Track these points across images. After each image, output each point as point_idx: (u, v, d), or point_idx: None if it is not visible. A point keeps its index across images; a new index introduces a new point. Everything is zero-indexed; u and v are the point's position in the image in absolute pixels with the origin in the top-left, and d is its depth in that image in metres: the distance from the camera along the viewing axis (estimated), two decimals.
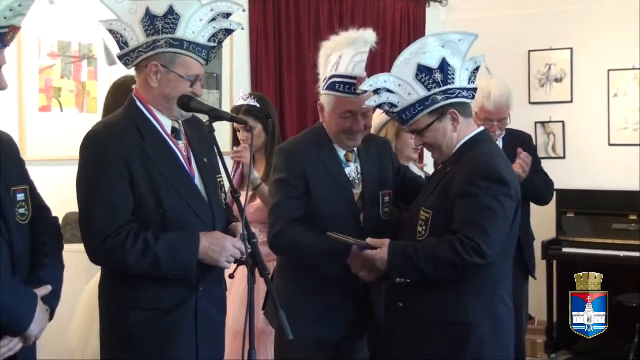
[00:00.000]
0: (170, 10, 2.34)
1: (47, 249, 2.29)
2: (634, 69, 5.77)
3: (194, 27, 2.36)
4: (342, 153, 2.88)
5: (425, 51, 2.59)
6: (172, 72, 2.36)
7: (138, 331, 2.36)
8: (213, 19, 2.38)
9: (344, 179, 2.84)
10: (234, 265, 2.39)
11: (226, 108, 4.67)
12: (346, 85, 2.76)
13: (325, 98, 2.84)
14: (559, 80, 6.10)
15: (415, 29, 6.26)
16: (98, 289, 2.50)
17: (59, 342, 3.41)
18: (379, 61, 5.85)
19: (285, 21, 5.29)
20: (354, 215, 2.82)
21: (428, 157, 3.57)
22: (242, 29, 2.48)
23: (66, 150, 3.88)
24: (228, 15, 2.41)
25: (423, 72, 2.58)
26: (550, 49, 6.07)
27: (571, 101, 6.06)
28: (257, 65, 5.14)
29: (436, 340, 2.58)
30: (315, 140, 2.89)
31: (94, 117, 4.07)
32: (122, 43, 2.41)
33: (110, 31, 2.41)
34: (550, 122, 6.09)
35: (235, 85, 4.96)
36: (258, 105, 3.75)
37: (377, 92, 2.64)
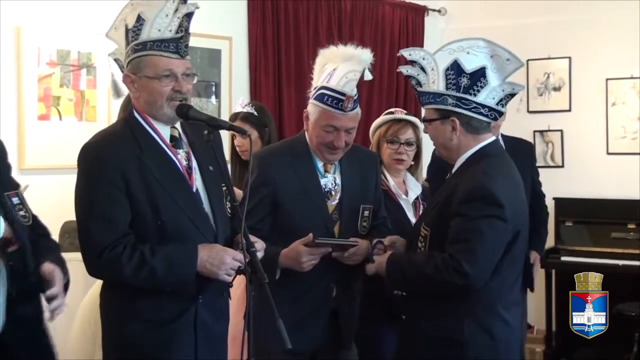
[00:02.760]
0: (138, 18, 2.35)
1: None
2: (632, 77, 5.77)
3: (160, 25, 2.34)
4: (320, 163, 2.85)
5: (470, 51, 2.51)
6: (143, 76, 2.36)
7: (137, 342, 2.35)
8: (176, 10, 2.37)
9: (316, 190, 2.80)
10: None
11: (225, 117, 4.68)
12: (334, 100, 2.73)
13: (312, 107, 2.81)
14: (557, 89, 6.10)
15: (413, 38, 6.27)
16: (99, 299, 2.50)
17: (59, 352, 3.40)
18: (378, 69, 5.86)
19: (285, 30, 5.29)
20: (326, 226, 2.78)
21: (425, 162, 3.57)
22: (197, 7, 2.43)
23: (65, 158, 3.88)
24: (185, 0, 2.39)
25: (453, 69, 2.51)
26: (549, 58, 6.08)
27: (569, 110, 6.06)
28: (256, 74, 5.15)
29: (433, 356, 2.54)
30: (292, 148, 2.88)
31: (93, 125, 4.08)
32: (121, 68, 2.45)
33: (115, 60, 2.48)
34: (549, 130, 6.08)
35: (234, 94, 4.97)
36: (256, 113, 3.76)
37: (412, 63, 2.61)
